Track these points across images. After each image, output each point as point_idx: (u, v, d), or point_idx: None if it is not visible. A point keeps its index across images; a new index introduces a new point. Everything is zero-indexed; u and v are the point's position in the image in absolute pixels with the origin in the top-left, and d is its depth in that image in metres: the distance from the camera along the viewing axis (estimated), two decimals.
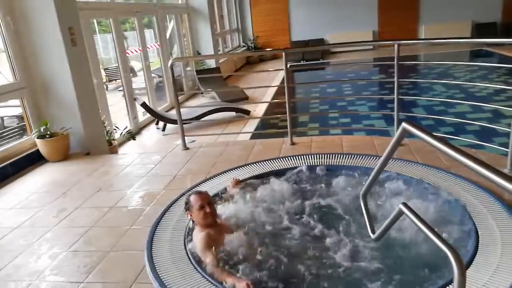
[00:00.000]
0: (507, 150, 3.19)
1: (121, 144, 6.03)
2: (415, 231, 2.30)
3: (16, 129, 6.12)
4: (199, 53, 11.08)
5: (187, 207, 2.55)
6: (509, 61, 10.20)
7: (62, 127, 4.57)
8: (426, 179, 3.10)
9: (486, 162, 1.33)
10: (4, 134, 6.02)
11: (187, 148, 4.59)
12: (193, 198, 2.53)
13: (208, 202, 2.52)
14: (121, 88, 10.90)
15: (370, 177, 2.26)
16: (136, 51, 10.89)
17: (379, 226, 2.29)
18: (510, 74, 8.88)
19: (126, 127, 6.30)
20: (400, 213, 1.88)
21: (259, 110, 7.88)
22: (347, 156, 3.66)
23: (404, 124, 1.74)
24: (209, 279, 2.17)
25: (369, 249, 2.31)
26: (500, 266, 2.07)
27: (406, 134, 1.80)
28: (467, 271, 2.06)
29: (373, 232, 2.33)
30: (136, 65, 12.54)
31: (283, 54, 4.33)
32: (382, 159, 2.05)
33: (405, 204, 1.79)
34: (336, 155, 3.69)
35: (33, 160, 4.44)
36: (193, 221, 2.58)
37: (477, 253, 2.20)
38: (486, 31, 14.58)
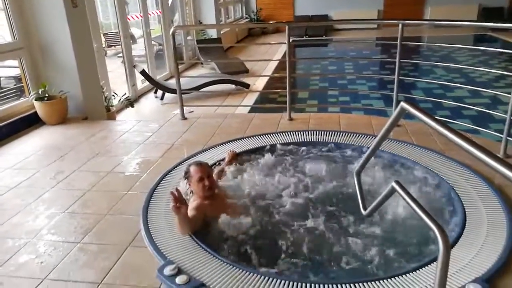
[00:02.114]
0: (501, 136, 3.23)
1: (119, 111, 6.02)
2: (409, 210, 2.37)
3: (14, 90, 6.07)
4: (201, 23, 10.90)
5: (187, 176, 2.59)
6: (509, 47, 10.15)
7: (60, 90, 4.55)
8: (419, 161, 3.15)
9: (480, 145, 1.36)
10: (1, 94, 5.98)
11: (185, 118, 4.60)
12: (193, 169, 2.56)
13: (208, 174, 2.55)
14: (120, 55, 10.76)
15: (365, 156, 2.29)
16: (137, 17, 10.69)
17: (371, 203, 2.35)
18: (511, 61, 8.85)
19: (125, 94, 6.27)
20: (392, 190, 1.91)
21: (259, 84, 7.84)
22: (344, 134, 3.69)
23: (402, 104, 1.76)
24: (202, 245, 2.23)
25: (360, 225, 2.38)
26: (484, 246, 2.14)
27: (403, 114, 1.82)
28: (453, 249, 2.14)
29: (365, 209, 2.38)
30: (136, 31, 12.32)
31: (286, 27, 4.27)
32: (378, 138, 2.08)
33: (397, 182, 1.83)
34: (333, 133, 3.72)
35: (31, 122, 4.43)
36: (191, 191, 2.62)
37: (464, 233, 2.27)
38: (492, 15, 14.40)
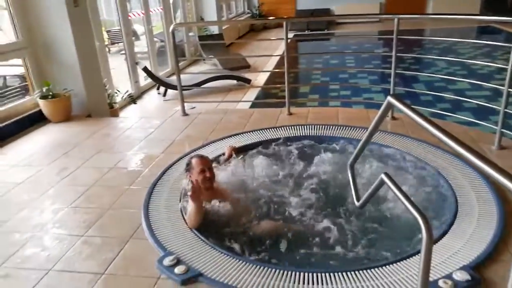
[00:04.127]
0: (496, 128, 3.27)
1: (122, 107, 6.12)
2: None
3: (19, 89, 6.17)
4: (202, 19, 10.94)
5: (188, 168, 2.68)
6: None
7: (64, 88, 4.64)
8: (414, 152, 3.21)
9: (460, 139, 1.42)
10: (7, 93, 6.09)
11: (187, 114, 4.67)
12: (195, 161, 2.66)
13: (209, 167, 2.65)
14: (122, 52, 10.85)
15: (357, 148, 2.36)
16: (139, 14, 10.75)
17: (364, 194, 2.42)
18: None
19: (127, 90, 6.35)
20: (382, 182, 1.98)
21: (260, 79, 7.89)
22: (341, 127, 3.75)
23: (389, 98, 1.82)
24: (201, 237, 2.32)
25: (354, 215, 2.45)
26: (474, 235, 2.21)
27: (391, 108, 1.89)
28: (443, 238, 2.21)
29: (358, 200, 2.45)
30: (139, 28, 12.38)
31: (284, 23, 4.32)
32: (368, 130, 2.15)
33: (386, 174, 1.90)
34: (330, 127, 3.79)
35: (36, 120, 4.53)
36: (191, 182, 2.70)
37: (455, 222, 2.33)
38: (495, 6, 14.27)
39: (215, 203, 2.52)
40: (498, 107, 3.26)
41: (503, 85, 3.18)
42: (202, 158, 2.74)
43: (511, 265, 1.18)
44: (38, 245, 2.38)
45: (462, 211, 2.44)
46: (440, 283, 1.86)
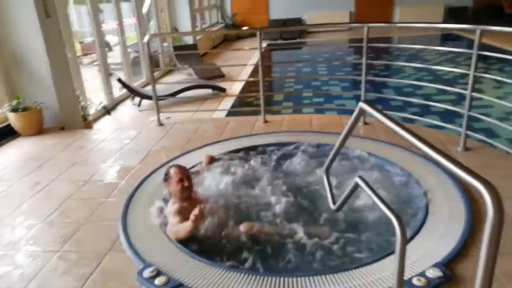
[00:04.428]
0: (461, 130, 3.43)
1: (96, 119, 6.03)
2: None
3: None
4: (177, 29, 10.95)
5: (166, 178, 2.68)
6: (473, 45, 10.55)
7: (35, 101, 4.54)
8: (386, 155, 3.31)
9: (430, 143, 1.50)
10: None
11: (162, 124, 4.66)
12: (173, 171, 2.66)
13: (187, 176, 2.66)
14: (96, 63, 10.67)
15: (332, 153, 2.42)
16: (112, 25, 10.64)
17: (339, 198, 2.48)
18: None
19: (101, 102, 6.27)
20: (356, 185, 2.05)
21: (235, 88, 7.95)
22: (315, 133, 3.84)
23: (361, 104, 1.90)
24: (180, 247, 2.31)
25: (330, 219, 2.51)
26: (444, 233, 2.30)
27: (363, 113, 1.96)
28: (416, 237, 2.30)
29: (334, 203, 2.52)
30: (112, 39, 12.25)
31: (258, 33, 4.40)
32: (341, 136, 2.21)
33: (360, 177, 1.97)
34: (304, 133, 3.87)
35: (6, 134, 4.41)
36: (169, 193, 2.70)
37: (426, 222, 2.43)
38: (457, 15, 14.99)
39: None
40: (462, 110, 3.42)
41: (466, 89, 3.35)
42: (180, 167, 2.75)
43: (480, 260, 1.25)
44: (10, 264, 2.31)
45: (432, 211, 2.54)
46: (414, 280, 1.94)
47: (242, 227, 2.44)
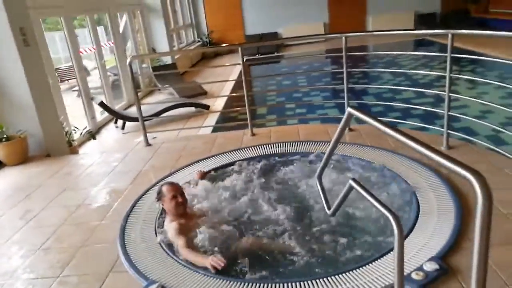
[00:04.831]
0: (443, 130, 3.57)
1: (81, 144, 5.97)
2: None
3: None
4: (154, 50, 11.00)
5: (159, 196, 2.69)
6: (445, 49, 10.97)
7: (18, 130, 4.50)
8: (374, 160, 3.41)
9: (420, 140, 1.58)
10: None
11: (150, 145, 4.66)
12: (165, 188, 2.67)
13: (180, 192, 2.68)
14: (74, 88, 10.61)
15: (323, 160, 2.50)
16: (88, 51, 10.63)
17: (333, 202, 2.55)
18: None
19: (86, 127, 6.23)
20: (351, 188, 2.12)
21: (218, 104, 8.01)
22: (304, 143, 3.92)
23: (349, 109, 1.98)
24: (182, 263, 2.33)
25: (326, 223, 2.57)
26: (436, 229, 2.39)
27: (351, 118, 2.05)
28: (410, 234, 2.37)
29: (329, 208, 2.58)
30: (89, 64, 12.21)
31: (239, 49, 4.49)
32: (332, 142, 2.29)
33: (354, 180, 2.04)
34: (294, 143, 3.95)
35: None
36: (164, 211, 2.71)
37: (418, 220, 2.51)
38: (426, 21, 15.58)
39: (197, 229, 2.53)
40: (442, 111, 3.56)
41: (443, 92, 3.50)
42: (173, 184, 2.77)
43: (472, 251, 1.31)
44: None
45: (423, 208, 2.63)
46: (413, 275, 2.00)
47: (246, 241, 2.45)
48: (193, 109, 7.58)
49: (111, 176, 3.87)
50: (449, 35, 3.26)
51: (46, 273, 2.43)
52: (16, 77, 4.44)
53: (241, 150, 3.96)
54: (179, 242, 2.42)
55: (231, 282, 2.11)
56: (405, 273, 1.96)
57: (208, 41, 16.14)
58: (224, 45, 10.32)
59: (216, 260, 2.17)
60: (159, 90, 9.72)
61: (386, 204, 1.77)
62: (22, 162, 4.48)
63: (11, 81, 4.47)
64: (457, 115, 3.68)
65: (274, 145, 3.97)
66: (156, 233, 2.68)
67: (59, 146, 4.90)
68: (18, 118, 4.58)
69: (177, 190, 2.69)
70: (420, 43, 13.66)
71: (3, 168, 4.38)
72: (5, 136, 4.38)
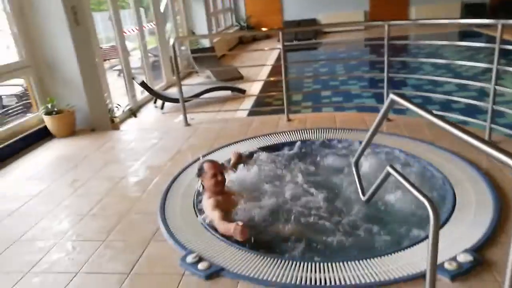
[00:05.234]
0: (485, 124, 3.48)
1: (122, 121, 6.23)
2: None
3: (18, 107, 6.26)
4: (193, 32, 11.15)
5: (200, 173, 2.81)
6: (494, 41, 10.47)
7: (67, 104, 4.76)
8: (411, 150, 3.39)
9: (465, 128, 1.59)
10: (9, 111, 6.16)
11: (189, 125, 4.82)
12: (206, 166, 2.79)
13: (221, 171, 2.79)
14: (115, 68, 10.97)
15: (361, 147, 2.53)
16: (129, 31, 10.93)
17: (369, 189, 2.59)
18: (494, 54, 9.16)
19: (128, 104, 6.48)
20: (388, 174, 2.16)
21: (254, 88, 8.08)
22: (340, 130, 3.94)
23: (391, 95, 2.00)
24: (218, 236, 2.45)
25: (361, 209, 2.61)
26: (473, 222, 2.38)
27: (393, 105, 2.06)
28: (445, 225, 2.38)
29: (364, 195, 2.62)
30: (128, 45, 12.52)
31: (280, 34, 4.52)
32: (371, 130, 2.32)
33: (391, 166, 2.07)
34: (330, 130, 3.97)
35: (41, 136, 4.64)
36: (203, 186, 2.83)
37: (454, 212, 2.51)
38: (475, 11, 14.83)
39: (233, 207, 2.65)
40: (486, 104, 3.47)
41: (488, 85, 3.40)
42: (213, 162, 2.87)
43: (509, 245, 1.30)
44: (62, 251, 2.49)
45: (460, 200, 2.61)
46: (446, 265, 2.02)
47: (289, 227, 2.52)
48: (229, 92, 7.69)
49: (152, 152, 4.05)
50: (499, 25, 3.16)
51: (94, 236, 2.62)
52: (67, 54, 4.69)
53: (276, 134, 4.02)
54: (215, 216, 2.54)
55: (268, 258, 2.20)
56: (438, 262, 1.99)
57: (246, 25, 16.14)
58: (264, 29, 10.27)
59: (237, 227, 2.29)
60: (197, 72, 9.88)
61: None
62: (70, 135, 4.75)
63: (62, 57, 4.72)
64: (503, 109, 3.57)
65: (311, 130, 4.01)
66: (194, 207, 2.82)
67: (103, 121, 5.14)
68: (67, 93, 4.84)
69: (218, 169, 2.79)
70: (466, 34, 13.09)
71: (52, 140, 4.67)
72: (55, 109, 4.65)
